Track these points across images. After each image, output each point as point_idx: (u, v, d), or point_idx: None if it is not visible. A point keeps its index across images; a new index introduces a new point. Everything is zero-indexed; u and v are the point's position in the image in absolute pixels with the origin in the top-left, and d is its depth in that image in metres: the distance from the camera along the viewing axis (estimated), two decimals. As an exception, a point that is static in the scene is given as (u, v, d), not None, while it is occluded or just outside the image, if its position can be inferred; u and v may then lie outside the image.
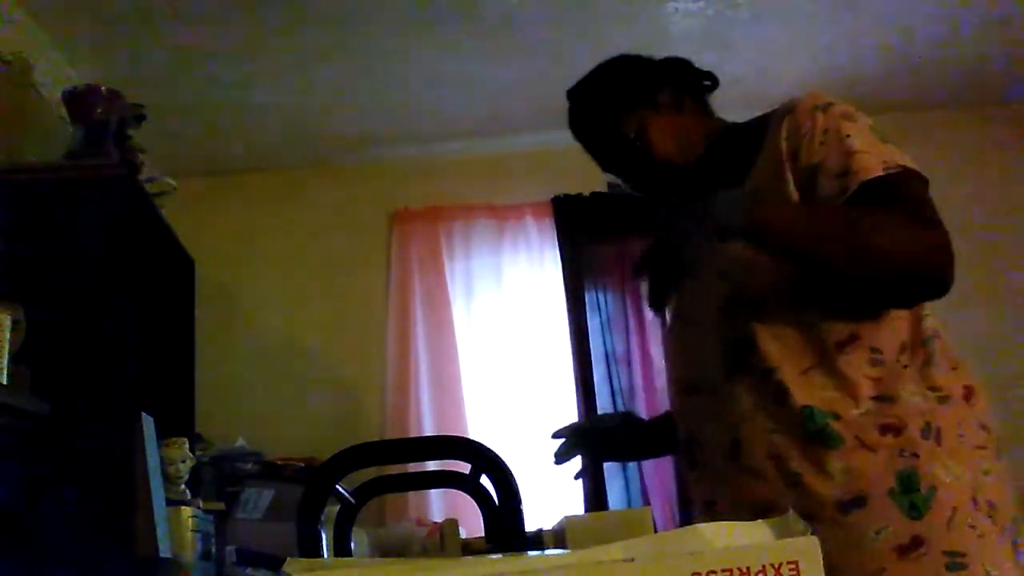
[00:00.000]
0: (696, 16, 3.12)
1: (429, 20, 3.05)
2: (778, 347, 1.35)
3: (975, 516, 1.25)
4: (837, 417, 1.30)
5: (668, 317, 1.60)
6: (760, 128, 1.45)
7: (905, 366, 1.32)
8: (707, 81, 1.60)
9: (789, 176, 1.36)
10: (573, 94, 1.61)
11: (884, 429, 1.29)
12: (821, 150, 1.34)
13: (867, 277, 1.30)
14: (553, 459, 1.70)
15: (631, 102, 1.53)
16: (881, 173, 1.29)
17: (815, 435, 1.30)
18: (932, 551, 1.23)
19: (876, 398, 1.31)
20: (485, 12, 3.02)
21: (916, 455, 1.27)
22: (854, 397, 1.31)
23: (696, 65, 1.60)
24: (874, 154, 1.32)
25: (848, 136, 1.33)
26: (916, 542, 1.23)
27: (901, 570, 1.23)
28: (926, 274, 1.28)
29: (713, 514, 1.43)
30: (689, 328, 1.50)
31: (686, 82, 1.57)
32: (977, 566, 1.23)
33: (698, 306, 1.47)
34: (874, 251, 1.27)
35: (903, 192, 1.30)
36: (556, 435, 1.73)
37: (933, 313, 1.38)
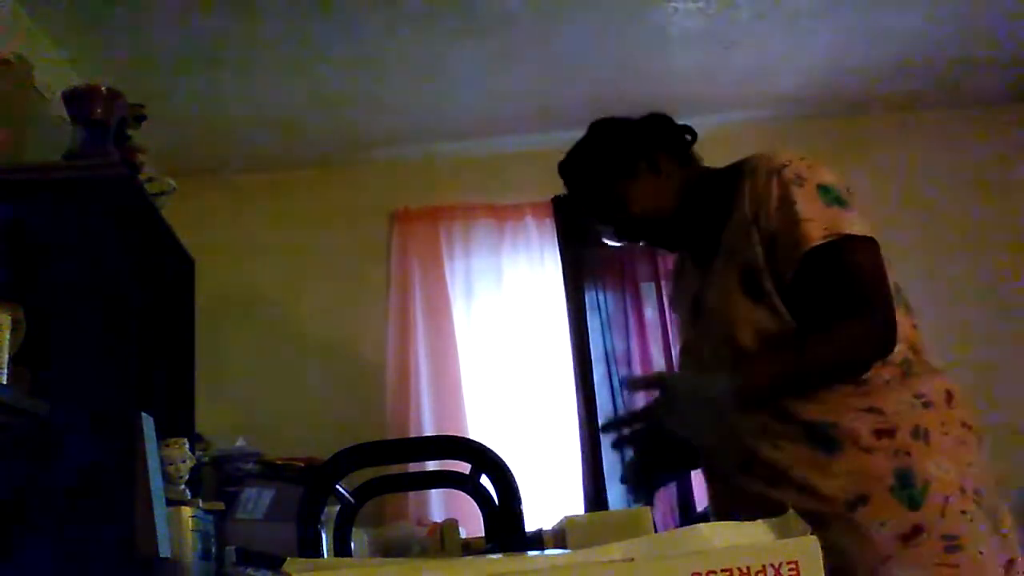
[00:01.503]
0: (696, 16, 3.11)
1: (429, 20, 3.05)
2: None
3: (965, 503, 1.41)
4: (836, 425, 1.45)
5: (681, 341, 1.76)
6: (732, 178, 1.58)
7: (887, 381, 1.47)
8: (686, 135, 1.73)
9: (756, 238, 1.51)
10: (564, 170, 1.75)
11: (879, 434, 1.44)
12: (776, 217, 1.49)
13: (826, 382, 1.48)
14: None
15: (613, 176, 1.67)
16: (820, 242, 1.44)
17: (819, 444, 1.45)
18: (931, 537, 1.38)
19: (867, 410, 1.46)
20: (485, 13, 3.02)
21: (909, 454, 1.43)
22: (848, 410, 1.46)
23: (674, 121, 1.73)
24: (817, 221, 1.46)
25: (795, 204, 1.47)
26: (916, 530, 1.39)
27: (906, 555, 1.38)
28: (864, 361, 1.47)
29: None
30: (696, 366, 1.64)
31: (662, 141, 1.70)
32: (970, 546, 1.39)
33: (706, 346, 1.62)
34: (823, 369, 1.47)
35: (842, 261, 1.45)
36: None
37: (907, 337, 1.53)
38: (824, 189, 1.49)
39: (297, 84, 3.38)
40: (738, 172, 1.59)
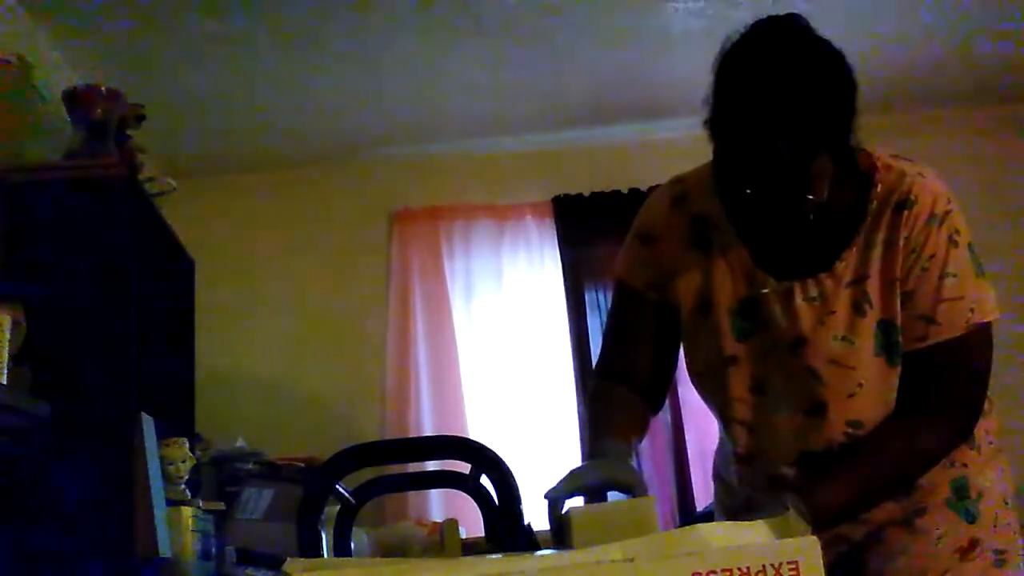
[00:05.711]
0: (696, 16, 3.11)
1: (429, 20, 3.05)
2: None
3: (1008, 515, 1.41)
4: None
5: (725, 349, 1.42)
6: (865, 180, 1.36)
7: None
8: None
9: (898, 290, 1.33)
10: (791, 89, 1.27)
11: None
12: (919, 278, 1.32)
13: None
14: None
15: (832, 144, 1.26)
16: (960, 333, 1.32)
17: None
18: (985, 551, 1.37)
19: None
20: (485, 12, 3.02)
21: (965, 465, 1.40)
22: None
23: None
24: (965, 301, 1.32)
25: (948, 276, 1.32)
26: (973, 544, 1.37)
27: (962, 570, 1.36)
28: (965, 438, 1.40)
29: None
30: (769, 408, 1.42)
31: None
32: (1013, 559, 1.39)
33: (784, 382, 1.39)
34: (903, 479, 1.37)
35: (968, 357, 1.35)
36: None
37: None
38: (971, 248, 1.35)
39: (297, 84, 3.37)
40: (869, 182, 1.35)
